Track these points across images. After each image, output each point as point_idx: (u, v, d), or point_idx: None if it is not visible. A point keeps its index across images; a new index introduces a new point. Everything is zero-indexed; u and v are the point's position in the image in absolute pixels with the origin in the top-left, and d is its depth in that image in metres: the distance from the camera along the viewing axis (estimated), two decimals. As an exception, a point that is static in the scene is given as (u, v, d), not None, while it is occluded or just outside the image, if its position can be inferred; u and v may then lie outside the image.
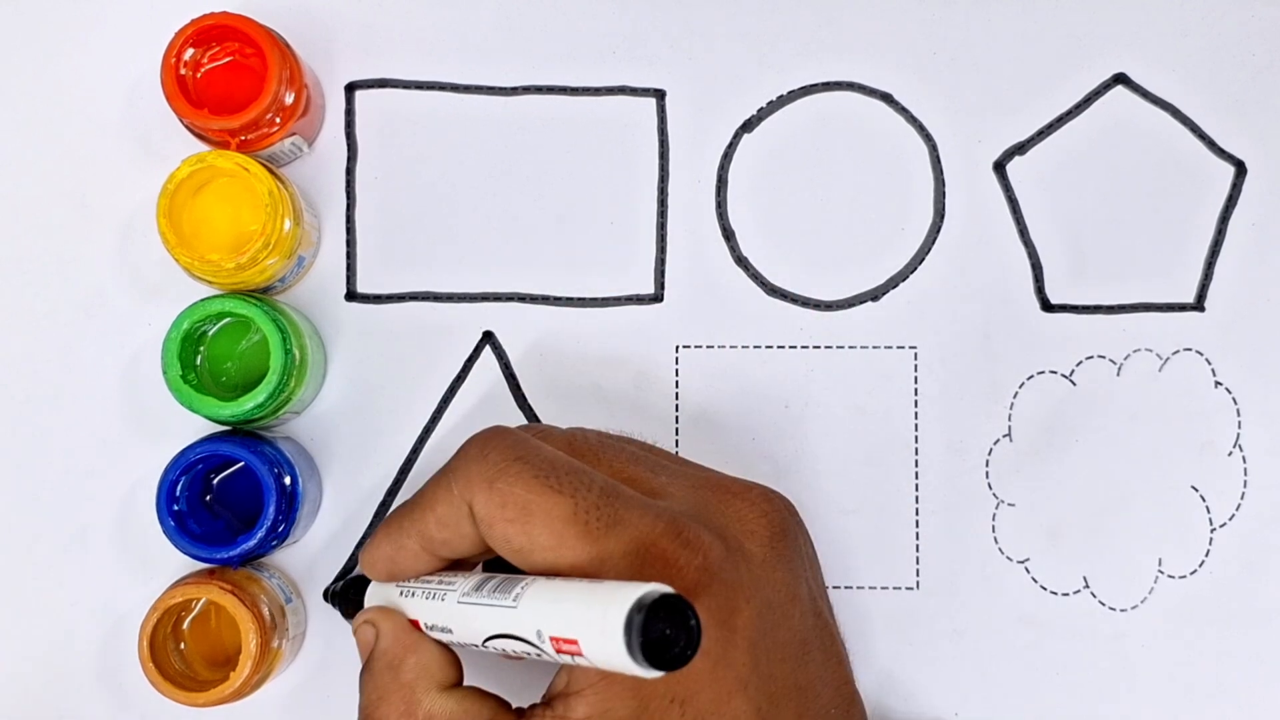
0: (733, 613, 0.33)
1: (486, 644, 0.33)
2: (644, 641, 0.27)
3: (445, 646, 0.36)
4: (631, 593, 0.27)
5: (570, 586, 0.30)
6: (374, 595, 0.39)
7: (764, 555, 0.35)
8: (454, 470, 0.35)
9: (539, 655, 0.31)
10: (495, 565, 0.36)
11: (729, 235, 0.46)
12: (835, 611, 0.40)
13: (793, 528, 0.37)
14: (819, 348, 0.46)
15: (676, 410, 0.46)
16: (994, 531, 0.46)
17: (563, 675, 0.33)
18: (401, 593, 0.37)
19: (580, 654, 0.29)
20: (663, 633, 0.27)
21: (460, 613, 0.34)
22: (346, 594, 0.41)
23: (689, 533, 0.33)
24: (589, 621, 0.28)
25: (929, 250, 0.46)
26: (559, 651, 0.30)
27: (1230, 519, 0.47)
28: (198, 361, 0.42)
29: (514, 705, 0.35)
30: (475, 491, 0.34)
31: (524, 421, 0.45)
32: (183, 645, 0.42)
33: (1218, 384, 0.47)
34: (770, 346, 0.46)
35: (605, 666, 0.28)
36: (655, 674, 0.27)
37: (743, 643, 0.33)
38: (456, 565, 0.37)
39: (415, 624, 0.36)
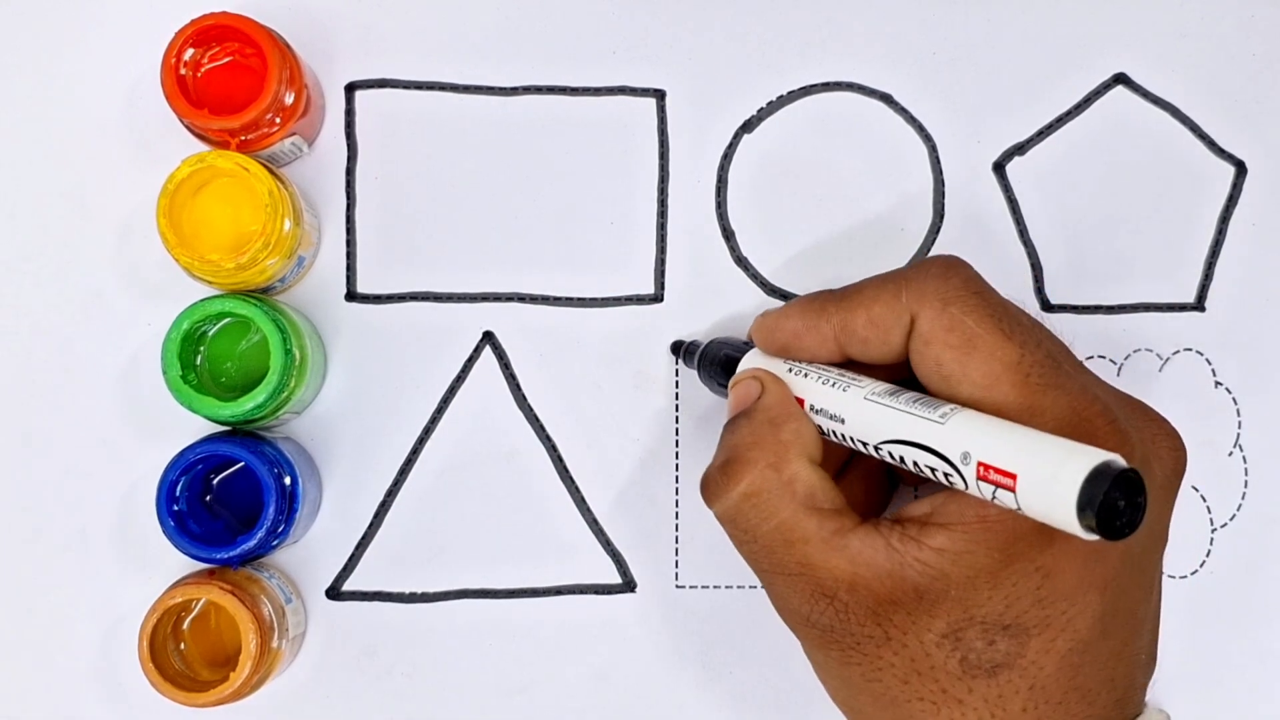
0: None
1: (881, 446, 0.33)
2: (1101, 503, 0.27)
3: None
4: (1095, 455, 0.28)
5: (1013, 426, 0.31)
6: (752, 362, 0.39)
7: (1163, 483, 0.35)
8: (908, 280, 0.35)
9: (944, 476, 0.31)
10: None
11: (729, 235, 0.46)
12: None
13: (1183, 474, 0.37)
14: (819, 348, 0.46)
15: (676, 410, 0.46)
16: (994, 532, 0.46)
17: (923, 504, 0.33)
18: (791, 370, 0.37)
19: (1011, 489, 0.29)
20: (1116, 502, 0.27)
21: (864, 409, 0.34)
22: (708, 357, 0.41)
23: (1119, 424, 0.33)
24: (1039, 465, 0.29)
25: (929, 251, 0.46)
26: (981, 479, 0.30)
27: (1231, 519, 0.47)
28: (197, 362, 0.42)
29: None
30: (925, 305, 0.34)
31: (524, 422, 0.45)
32: (183, 645, 0.41)
33: (1218, 384, 0.47)
34: (770, 347, 0.46)
35: (1033, 510, 0.29)
36: (1092, 537, 0.27)
37: (1120, 548, 0.33)
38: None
39: (799, 401, 0.36)
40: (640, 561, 0.45)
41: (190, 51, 0.41)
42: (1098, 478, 0.27)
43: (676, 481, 0.46)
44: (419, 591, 0.45)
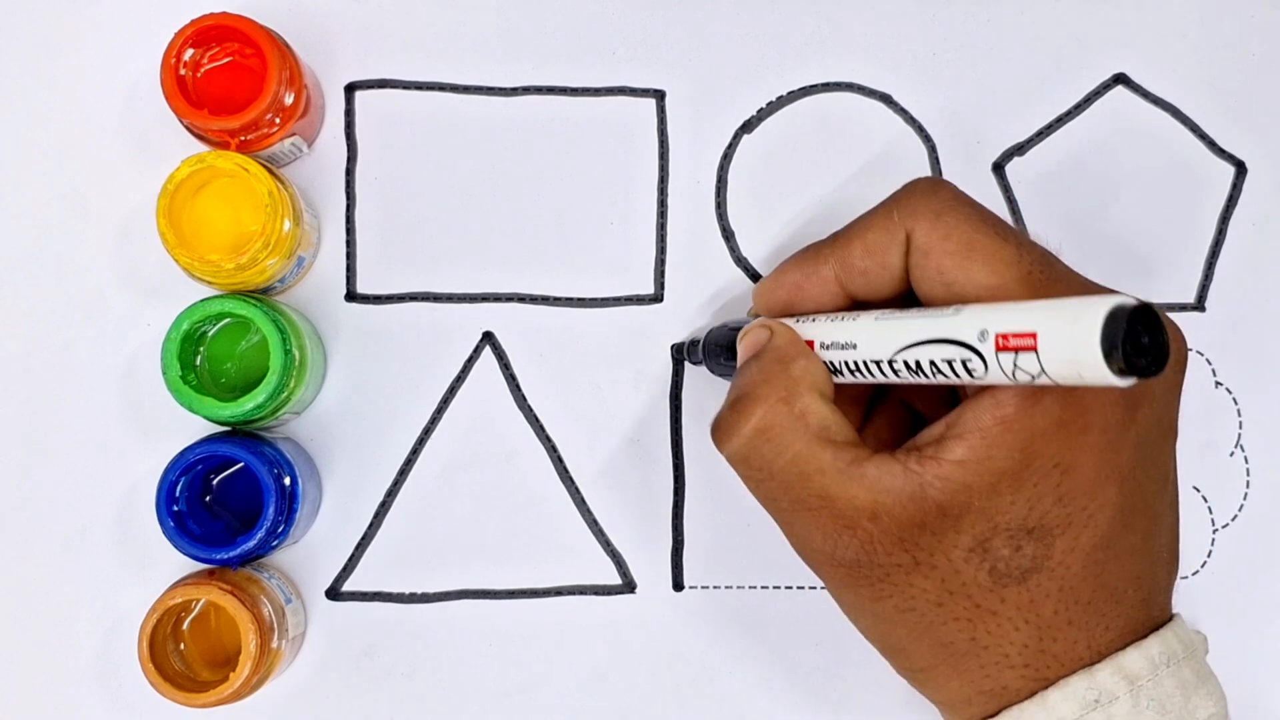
0: (1137, 405, 0.33)
1: (895, 360, 0.33)
2: (1125, 339, 0.27)
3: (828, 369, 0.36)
4: (1109, 299, 0.27)
5: (1025, 302, 0.30)
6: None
7: (1169, 376, 0.35)
8: (897, 201, 0.35)
9: (963, 365, 0.31)
10: None
11: (729, 235, 0.46)
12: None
13: (1184, 368, 0.37)
14: (819, 348, 0.46)
15: (676, 411, 0.46)
16: (994, 532, 0.46)
17: (937, 426, 0.33)
18: (798, 321, 0.37)
19: (1033, 349, 0.28)
20: (1140, 338, 0.27)
21: (873, 326, 0.34)
22: (710, 343, 0.41)
23: None
24: (1056, 320, 0.28)
25: (929, 250, 0.46)
26: (1002, 349, 0.29)
27: (1233, 519, 0.47)
28: (197, 362, 0.42)
29: None
30: (919, 220, 0.34)
31: (524, 422, 0.45)
32: (182, 646, 0.41)
33: (1218, 384, 0.47)
34: (770, 347, 0.46)
35: (1059, 368, 0.28)
36: (1125, 382, 0.27)
37: (1134, 438, 0.33)
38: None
39: (809, 344, 0.36)
40: (640, 562, 0.45)
41: (190, 52, 0.41)
42: (1116, 318, 0.27)
43: (676, 482, 0.46)
44: (419, 592, 0.45)
